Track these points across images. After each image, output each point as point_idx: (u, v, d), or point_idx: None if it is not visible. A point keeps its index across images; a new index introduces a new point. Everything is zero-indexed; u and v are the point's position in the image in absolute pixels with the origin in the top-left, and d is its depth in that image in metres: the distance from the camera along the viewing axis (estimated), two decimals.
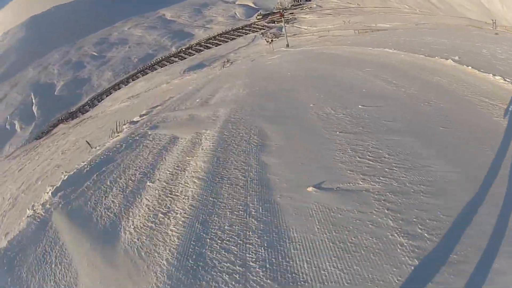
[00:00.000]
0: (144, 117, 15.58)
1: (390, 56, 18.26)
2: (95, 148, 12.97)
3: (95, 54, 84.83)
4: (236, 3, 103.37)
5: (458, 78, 12.18)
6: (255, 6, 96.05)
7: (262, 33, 70.67)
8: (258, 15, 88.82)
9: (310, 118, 10.15)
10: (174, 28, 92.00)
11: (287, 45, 46.68)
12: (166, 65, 66.99)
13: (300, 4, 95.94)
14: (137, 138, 12.06)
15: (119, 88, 63.20)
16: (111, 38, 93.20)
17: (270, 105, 12.80)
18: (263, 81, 18.73)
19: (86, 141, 13.45)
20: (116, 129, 15.25)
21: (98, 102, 60.49)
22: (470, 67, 12.87)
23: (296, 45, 45.62)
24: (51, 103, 66.19)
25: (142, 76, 65.20)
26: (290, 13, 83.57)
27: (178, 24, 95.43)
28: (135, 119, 15.32)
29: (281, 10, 55.90)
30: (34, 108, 65.88)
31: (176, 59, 70.02)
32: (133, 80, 64.49)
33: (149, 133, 12.34)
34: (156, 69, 66.33)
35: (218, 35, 78.11)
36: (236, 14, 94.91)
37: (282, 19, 55.59)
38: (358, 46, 26.67)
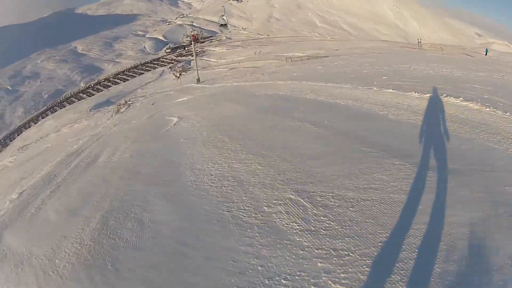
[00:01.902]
0: None
1: None
2: None
3: (9, 88, 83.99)
4: (146, 36, 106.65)
5: None
6: (164, 40, 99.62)
7: (170, 67, 73.89)
8: (167, 49, 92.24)
9: None
10: (84, 62, 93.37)
11: (198, 80, 43.07)
12: (74, 102, 68.80)
13: (211, 37, 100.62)
14: None
15: (29, 127, 64.09)
16: (25, 71, 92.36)
17: None
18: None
19: None
20: None
21: (10, 141, 60.69)
22: None
23: (207, 80, 42.99)
24: None
25: (51, 113, 66.51)
26: (199, 46, 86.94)
27: (89, 58, 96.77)
28: None
29: (194, 33, 52.95)
30: None
31: (85, 95, 71.82)
32: (42, 118, 65.62)
33: None
34: (64, 106, 68.08)
35: (126, 69, 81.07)
36: (145, 47, 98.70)
37: (193, 43, 53.30)
38: (336, 82, 17.36)
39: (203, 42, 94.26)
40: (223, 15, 60.39)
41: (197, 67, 47.52)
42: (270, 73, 33.18)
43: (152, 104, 33.48)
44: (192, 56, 78.87)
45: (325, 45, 64.30)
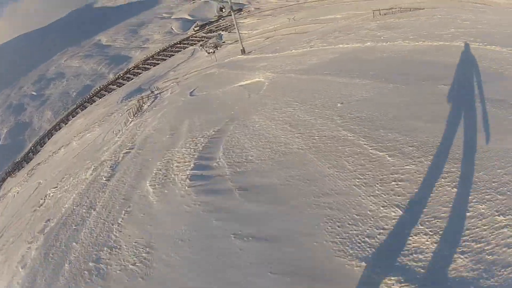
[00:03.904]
0: None
1: None
2: None
3: (34, 93, 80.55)
4: (172, 17, 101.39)
5: None
6: (191, 18, 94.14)
7: (201, 45, 67.91)
8: (195, 27, 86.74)
9: None
10: (110, 54, 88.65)
11: (243, 51, 38.03)
12: (104, 95, 63.55)
13: (240, 9, 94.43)
14: None
15: (59, 128, 59.24)
16: (49, 74, 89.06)
17: None
18: None
19: None
20: None
21: (41, 147, 56.25)
22: None
23: (253, 50, 37.39)
24: None
25: (82, 111, 61.30)
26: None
27: (114, 48, 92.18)
28: None
29: None
30: None
31: (115, 86, 66.51)
32: (72, 117, 60.47)
33: None
34: (95, 101, 62.78)
35: (156, 54, 75.33)
36: (172, 29, 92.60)
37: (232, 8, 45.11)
38: None
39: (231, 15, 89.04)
40: None
41: (239, 34, 41.80)
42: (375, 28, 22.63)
43: (191, 94, 24.17)
44: (223, 30, 73.81)
45: (360, 5, 57.22)
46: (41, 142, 59.20)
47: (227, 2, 52.82)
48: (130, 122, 24.26)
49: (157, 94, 33.53)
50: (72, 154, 26.24)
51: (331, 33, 27.86)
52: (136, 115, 26.35)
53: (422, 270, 5.05)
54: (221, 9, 60.38)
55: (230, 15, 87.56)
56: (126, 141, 18.63)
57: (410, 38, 17.79)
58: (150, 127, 19.06)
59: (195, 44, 72.20)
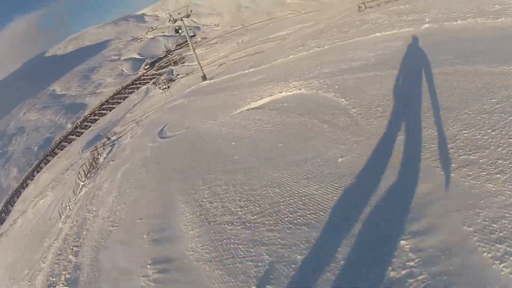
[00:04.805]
0: None
1: None
2: None
3: None
4: (122, 59, 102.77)
5: None
6: (140, 57, 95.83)
7: (154, 83, 69.58)
8: (145, 65, 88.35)
9: None
10: (65, 102, 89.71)
11: (204, 77, 37.26)
12: (65, 146, 64.62)
13: (186, 42, 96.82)
14: None
15: (26, 185, 59.91)
16: (9, 129, 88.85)
17: None
18: None
19: None
20: None
21: (11, 206, 56.28)
22: None
23: (214, 75, 36.64)
24: None
25: (45, 165, 62.29)
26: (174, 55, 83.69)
27: (69, 96, 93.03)
28: None
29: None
30: None
31: (74, 136, 67.74)
32: (37, 173, 61.43)
33: None
34: (56, 154, 63.85)
35: (110, 98, 76.84)
36: (123, 70, 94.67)
37: (187, 33, 44.19)
38: None
39: (179, 49, 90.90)
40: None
41: (199, 61, 42.62)
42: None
43: (162, 136, 17.86)
44: (173, 64, 76.01)
45: (304, 19, 60.06)
46: (11, 201, 59.42)
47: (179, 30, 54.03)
48: (81, 189, 18.76)
49: (115, 140, 29.45)
50: (25, 231, 22.26)
51: (325, 33, 24.51)
52: (88, 174, 21.00)
53: None
54: (176, 31, 61.65)
55: (178, 48, 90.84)
56: (71, 240, 11.94)
57: (470, 16, 14.30)
58: (106, 209, 12.23)
59: (147, 82, 74.13)
